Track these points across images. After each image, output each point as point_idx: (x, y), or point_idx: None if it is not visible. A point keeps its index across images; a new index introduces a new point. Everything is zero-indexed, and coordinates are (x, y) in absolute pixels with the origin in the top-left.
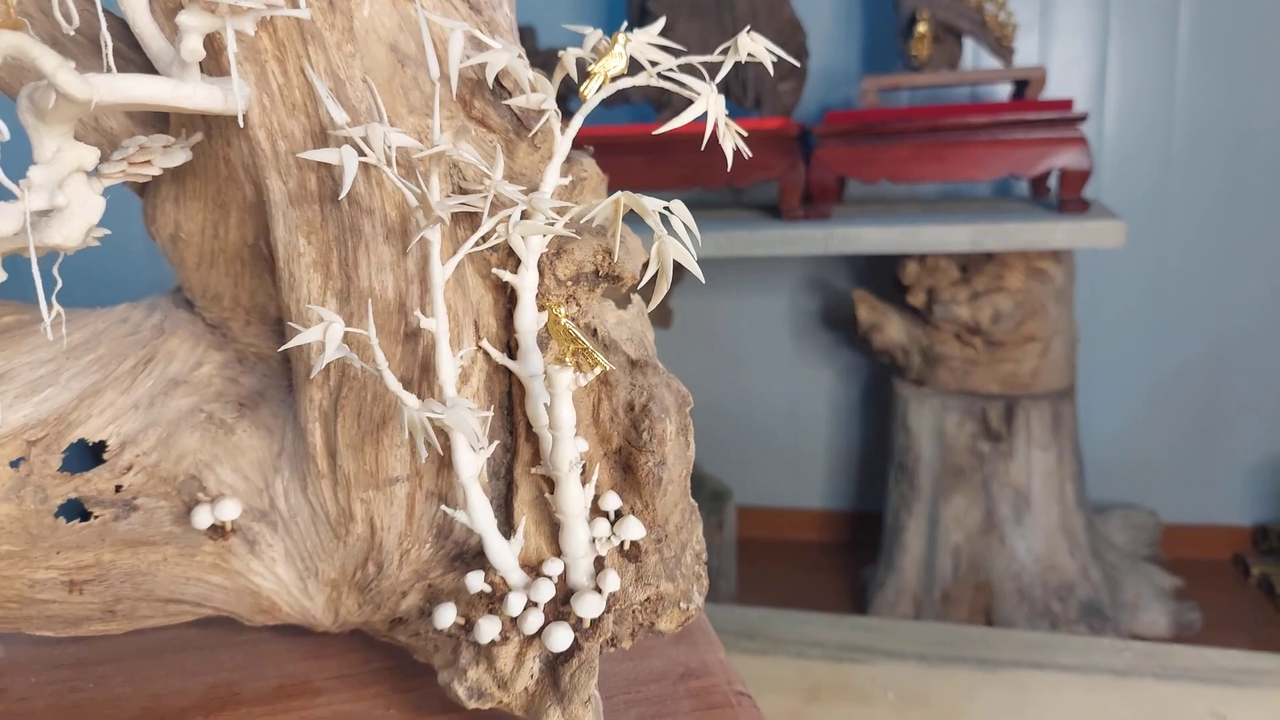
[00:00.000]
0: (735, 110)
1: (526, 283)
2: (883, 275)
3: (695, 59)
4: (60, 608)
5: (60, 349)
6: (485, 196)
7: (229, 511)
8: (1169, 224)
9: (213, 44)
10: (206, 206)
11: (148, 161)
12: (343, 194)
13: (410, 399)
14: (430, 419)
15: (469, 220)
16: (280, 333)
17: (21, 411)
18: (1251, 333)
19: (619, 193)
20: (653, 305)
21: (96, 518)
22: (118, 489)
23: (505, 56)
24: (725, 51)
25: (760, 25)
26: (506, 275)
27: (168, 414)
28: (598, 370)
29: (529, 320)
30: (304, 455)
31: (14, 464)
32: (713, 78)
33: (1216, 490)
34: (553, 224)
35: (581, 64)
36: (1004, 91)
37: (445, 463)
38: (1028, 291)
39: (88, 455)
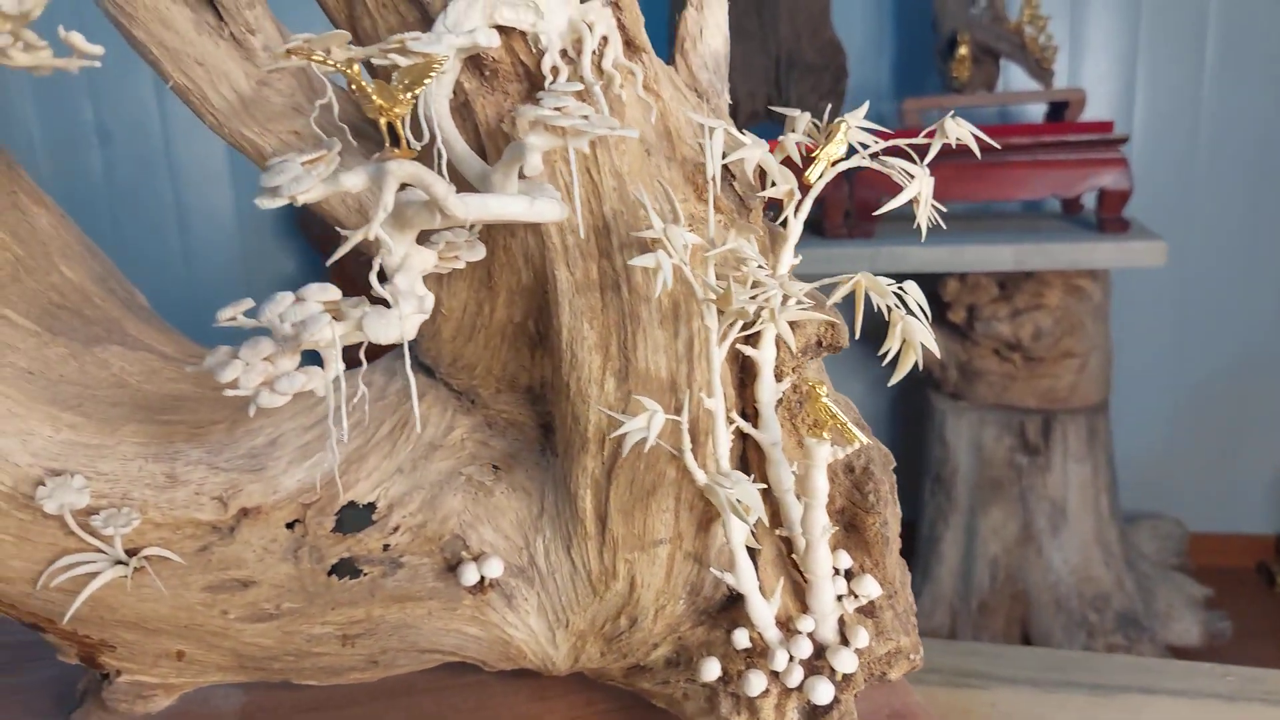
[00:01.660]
0: (778, 130)
1: (767, 357)
2: None
3: (903, 141)
4: (331, 659)
5: (320, 414)
6: (747, 284)
7: (494, 569)
8: (1194, 240)
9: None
10: (473, 285)
11: (455, 256)
12: (656, 294)
13: (700, 475)
14: (703, 486)
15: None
16: (531, 401)
17: (295, 476)
18: (1274, 345)
19: (859, 274)
20: (895, 380)
21: (366, 575)
22: (385, 548)
23: (758, 152)
24: (932, 134)
25: (803, 47)
26: (749, 350)
27: (429, 477)
28: (855, 445)
29: (769, 392)
30: (571, 518)
31: (289, 525)
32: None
33: (1240, 499)
34: (808, 307)
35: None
36: (1037, 111)
37: (703, 526)
38: (1066, 308)
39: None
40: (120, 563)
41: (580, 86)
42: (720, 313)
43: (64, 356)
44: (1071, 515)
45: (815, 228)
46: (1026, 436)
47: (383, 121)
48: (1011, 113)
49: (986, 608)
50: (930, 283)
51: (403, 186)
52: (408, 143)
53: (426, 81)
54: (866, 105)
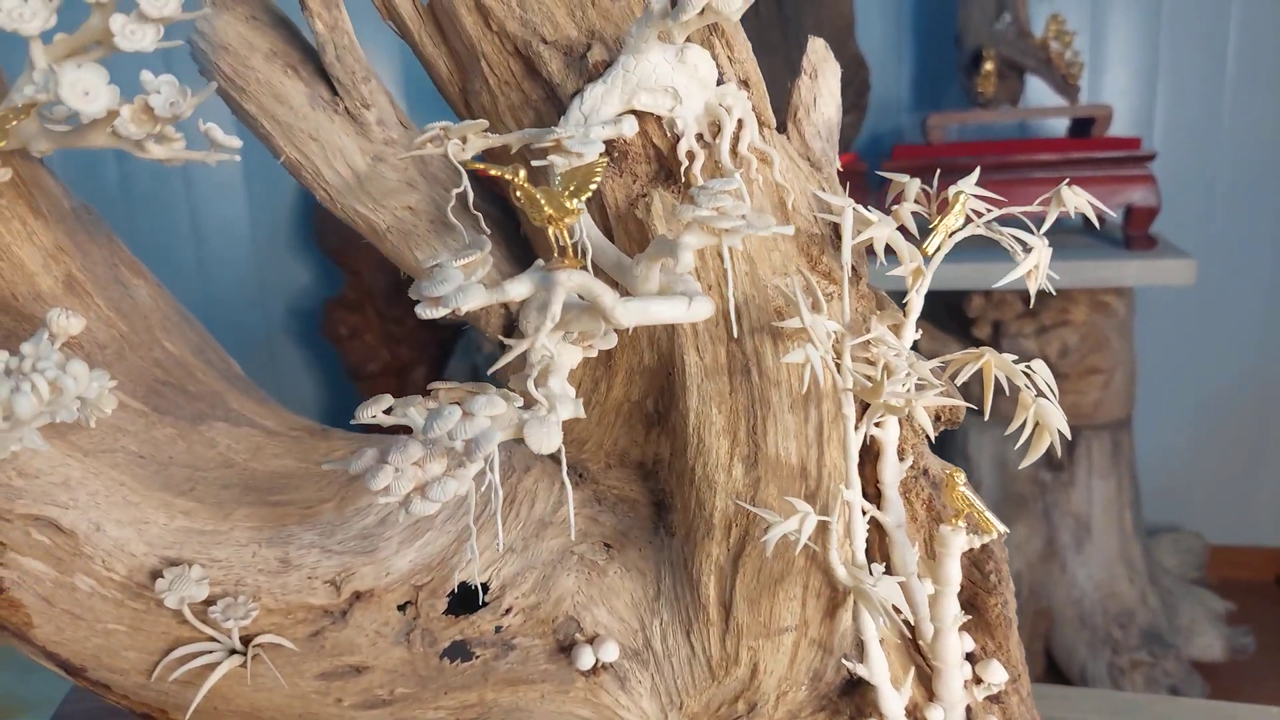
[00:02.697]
0: None
1: (890, 436)
2: (934, 304)
3: (1015, 209)
4: None
5: None
6: (878, 367)
7: (610, 653)
8: (1214, 253)
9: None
10: (589, 363)
11: (589, 345)
12: (804, 388)
13: (842, 571)
14: (852, 589)
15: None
16: (642, 477)
17: (407, 557)
18: None
19: (987, 354)
20: (1027, 463)
21: (478, 657)
22: (497, 630)
23: (887, 230)
24: (1046, 203)
25: None
26: (876, 431)
27: (541, 556)
28: (993, 535)
29: (892, 471)
30: (691, 603)
31: (401, 608)
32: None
33: (1261, 511)
34: (944, 393)
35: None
36: (1058, 126)
37: (829, 613)
38: (1092, 325)
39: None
40: (235, 652)
41: (737, 184)
42: (862, 402)
43: (172, 437)
44: (1096, 531)
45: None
46: (1050, 452)
47: (550, 231)
48: (1030, 127)
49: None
50: (955, 299)
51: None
52: (574, 250)
53: (592, 186)
54: (977, 171)
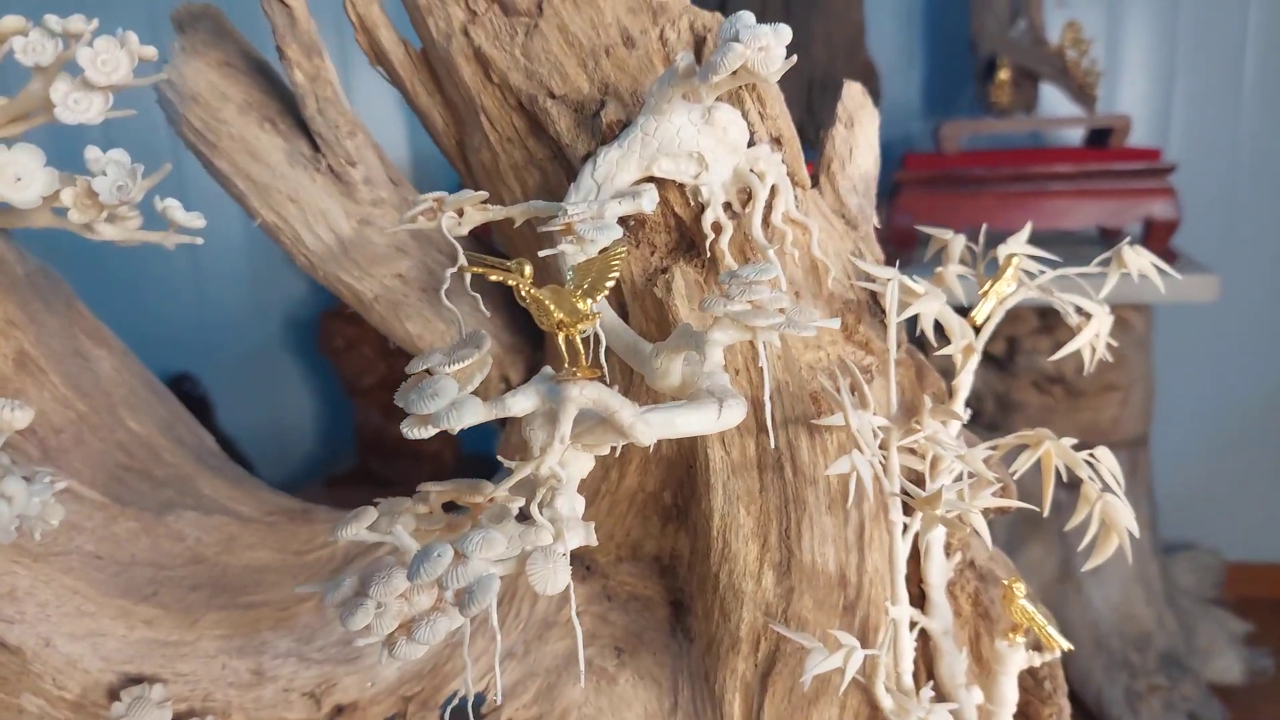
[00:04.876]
0: (810, 154)
1: (937, 534)
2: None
3: (1071, 270)
4: None
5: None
6: (927, 461)
7: None
8: (1235, 267)
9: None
10: None
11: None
12: (848, 500)
13: (889, 702)
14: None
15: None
16: (658, 573)
17: (394, 664)
18: None
19: (1048, 442)
20: (1093, 564)
21: None
22: None
23: (936, 305)
24: (1105, 262)
25: (838, 69)
26: (917, 528)
27: (545, 661)
28: (1056, 653)
29: (939, 573)
30: None
31: None
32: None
33: (1278, 527)
34: (1001, 490)
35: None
36: (1074, 136)
37: None
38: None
39: None
40: None
41: (776, 272)
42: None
43: (135, 532)
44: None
45: None
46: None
47: (560, 337)
48: (1043, 136)
49: None
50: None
51: None
52: (587, 358)
53: (609, 283)
54: (1029, 226)
